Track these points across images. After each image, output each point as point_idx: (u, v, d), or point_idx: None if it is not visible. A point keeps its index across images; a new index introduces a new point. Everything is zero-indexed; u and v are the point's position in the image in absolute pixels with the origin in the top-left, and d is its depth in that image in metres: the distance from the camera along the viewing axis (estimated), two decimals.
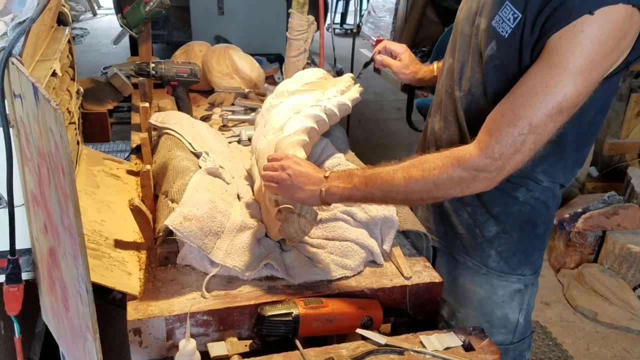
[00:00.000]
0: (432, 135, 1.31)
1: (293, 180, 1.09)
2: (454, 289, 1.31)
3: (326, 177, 1.10)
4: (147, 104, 1.68)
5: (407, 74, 1.52)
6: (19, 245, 1.06)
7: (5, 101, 0.96)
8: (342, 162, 1.43)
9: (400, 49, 1.53)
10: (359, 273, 1.18)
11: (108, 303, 2.23)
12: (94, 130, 2.02)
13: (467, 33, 1.17)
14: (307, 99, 1.39)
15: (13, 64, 0.94)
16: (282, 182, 1.10)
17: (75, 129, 1.49)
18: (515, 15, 1.03)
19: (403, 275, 1.19)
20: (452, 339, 1.03)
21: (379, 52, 1.56)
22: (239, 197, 1.32)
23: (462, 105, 1.19)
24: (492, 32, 1.08)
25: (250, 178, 1.44)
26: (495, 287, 1.27)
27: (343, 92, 1.49)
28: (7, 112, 0.97)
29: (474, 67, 1.14)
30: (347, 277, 1.16)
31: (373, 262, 1.23)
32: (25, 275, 1.11)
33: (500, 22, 1.06)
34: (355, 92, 1.51)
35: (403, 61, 1.52)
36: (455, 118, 1.22)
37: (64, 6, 1.55)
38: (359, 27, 7.89)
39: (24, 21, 0.98)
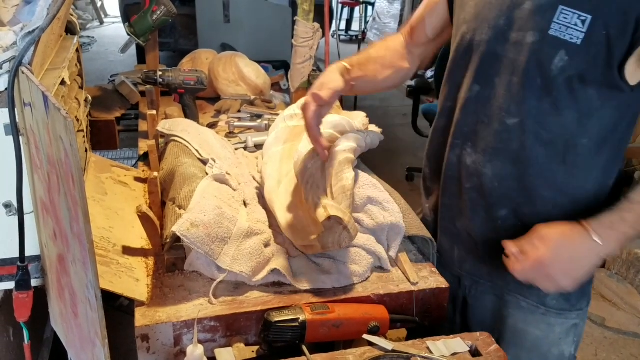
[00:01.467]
0: (466, 171, 1.17)
1: (562, 272, 1.01)
2: (500, 329, 1.23)
3: (599, 242, 0.99)
4: (154, 112, 1.69)
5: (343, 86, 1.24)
6: (28, 252, 1.07)
7: (16, 110, 0.97)
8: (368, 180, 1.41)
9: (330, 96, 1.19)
10: (366, 279, 1.19)
11: (115, 309, 2.24)
12: (102, 137, 2.04)
13: (503, 53, 1.06)
14: (343, 121, 1.41)
15: (23, 73, 0.95)
16: (552, 279, 1.01)
17: (84, 136, 1.50)
18: (583, 18, 0.96)
19: (410, 281, 1.19)
20: (459, 345, 1.02)
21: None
22: (245, 204, 1.33)
23: (520, 133, 1.07)
24: (554, 42, 0.99)
25: (255, 183, 1.45)
26: (553, 326, 1.19)
27: (365, 126, 1.50)
28: (18, 120, 0.98)
29: (528, 87, 1.04)
30: (354, 283, 1.17)
31: (380, 268, 1.23)
32: (34, 282, 1.12)
33: (563, 29, 0.97)
34: (377, 130, 1.51)
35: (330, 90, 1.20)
36: (505, 149, 1.10)
37: (72, 15, 1.57)
38: (364, 33, 7.92)
39: (33, 31, 0.99)
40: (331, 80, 1.23)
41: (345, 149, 1.28)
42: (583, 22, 0.96)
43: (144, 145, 1.74)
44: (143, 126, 1.94)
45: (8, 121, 0.97)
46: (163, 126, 1.60)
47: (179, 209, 1.21)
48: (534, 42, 1.01)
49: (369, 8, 8.24)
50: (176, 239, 1.13)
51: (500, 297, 1.22)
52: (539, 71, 1.02)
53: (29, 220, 1.08)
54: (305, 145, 1.30)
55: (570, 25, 0.97)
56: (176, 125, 1.61)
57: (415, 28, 1.35)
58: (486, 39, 1.08)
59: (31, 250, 1.10)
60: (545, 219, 1.07)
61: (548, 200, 1.10)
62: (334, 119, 1.39)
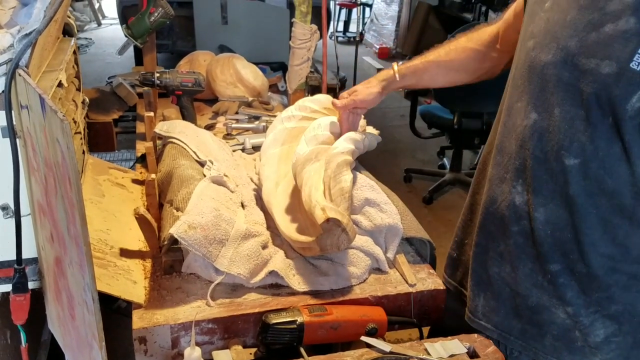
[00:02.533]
0: (514, 212, 1.02)
1: None
2: None
3: None
4: (152, 113, 1.69)
5: (376, 97, 1.35)
6: (25, 255, 1.07)
7: (13, 112, 0.97)
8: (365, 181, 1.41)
9: (350, 102, 1.36)
10: (364, 281, 1.19)
11: (113, 312, 2.23)
12: (99, 139, 2.03)
13: (569, 81, 0.91)
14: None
15: (20, 75, 0.95)
16: None
17: (81, 138, 1.50)
18: None
19: (407, 283, 1.19)
20: (456, 347, 1.02)
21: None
22: (242, 205, 1.33)
23: (581, 176, 0.92)
24: (634, 77, 0.83)
25: (252, 184, 1.45)
26: None
27: (362, 128, 1.51)
28: (14, 123, 0.98)
29: (597, 125, 0.89)
30: (351, 285, 1.17)
31: (377, 270, 1.23)
32: (31, 285, 1.12)
33: None
34: (374, 132, 1.52)
35: (362, 95, 1.36)
36: (561, 192, 0.95)
37: (70, 17, 1.57)
38: (361, 35, 7.92)
39: (30, 33, 0.99)
40: (362, 92, 1.36)
41: (344, 151, 1.28)
42: None
43: (141, 147, 1.74)
44: (140, 128, 1.94)
45: (5, 123, 0.97)
46: (160, 128, 1.60)
47: (177, 211, 1.21)
48: (610, 75, 0.85)
49: (367, 9, 8.25)
50: (174, 241, 1.13)
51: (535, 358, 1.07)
52: (610, 109, 0.87)
53: (26, 223, 1.08)
54: (303, 147, 1.31)
55: None
56: (174, 127, 1.61)
57: (506, 25, 1.20)
58: (552, 61, 0.93)
59: (28, 252, 1.10)
60: (603, 282, 0.96)
61: (606, 259, 0.95)
62: (332, 121, 1.39)
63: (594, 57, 0.87)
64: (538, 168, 0.97)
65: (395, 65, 1.34)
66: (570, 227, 0.95)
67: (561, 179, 0.94)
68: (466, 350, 1.02)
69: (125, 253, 1.21)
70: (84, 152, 1.53)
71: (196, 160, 1.44)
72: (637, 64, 0.83)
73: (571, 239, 0.96)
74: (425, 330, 1.21)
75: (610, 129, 0.88)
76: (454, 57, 1.28)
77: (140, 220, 1.14)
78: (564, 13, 0.93)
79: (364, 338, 1.04)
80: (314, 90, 2.00)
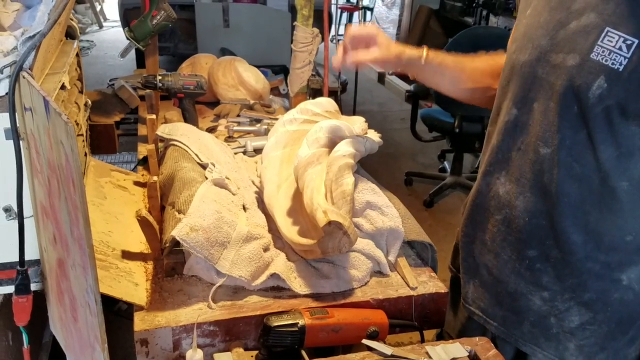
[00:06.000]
0: (497, 201, 1.08)
1: None
2: None
3: None
4: (153, 116, 1.69)
5: (391, 58, 1.21)
6: (27, 256, 1.07)
7: (16, 114, 0.98)
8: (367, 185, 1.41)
9: (373, 30, 1.21)
10: (365, 283, 1.19)
11: (114, 314, 2.23)
12: (101, 141, 2.03)
13: (542, 76, 0.97)
14: (343, 126, 1.42)
15: (24, 77, 0.96)
16: None
17: (83, 140, 1.51)
18: (629, 42, 0.86)
19: (409, 286, 1.19)
20: (458, 350, 1.02)
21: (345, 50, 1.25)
22: (244, 208, 1.33)
23: (552, 164, 0.97)
24: (594, 67, 0.89)
25: (253, 187, 1.45)
26: None
27: (364, 131, 1.51)
28: (18, 125, 0.99)
29: (564, 115, 0.94)
30: (353, 288, 1.17)
31: (379, 273, 1.23)
32: (33, 286, 1.12)
33: (606, 53, 0.88)
34: (376, 136, 1.52)
35: (382, 44, 1.20)
36: (536, 181, 1.01)
37: (72, 20, 1.58)
38: None
39: (34, 36, 1.00)
40: (383, 38, 1.21)
41: (345, 154, 1.28)
42: (629, 46, 0.86)
43: (143, 150, 1.74)
44: (142, 130, 1.94)
45: (8, 125, 0.98)
46: (162, 130, 1.61)
47: (179, 213, 1.21)
48: (574, 66, 0.92)
49: (368, 13, 8.27)
50: (175, 243, 1.13)
51: (515, 347, 1.11)
52: (575, 98, 0.92)
53: (29, 225, 1.08)
54: (305, 150, 1.31)
55: (614, 49, 0.87)
56: (175, 129, 1.61)
57: None
58: (529, 60, 1.00)
59: (31, 254, 1.10)
60: (577, 269, 1.00)
61: (579, 246, 0.99)
62: (333, 124, 1.39)
63: (561, 51, 0.94)
64: (520, 159, 1.03)
65: (425, 50, 1.21)
66: (545, 214, 1.01)
67: (537, 169, 1.00)
68: (467, 354, 1.02)
69: (127, 255, 1.21)
70: (86, 155, 1.54)
71: (198, 163, 1.45)
72: (596, 54, 0.89)
73: (546, 225, 1.01)
74: (427, 333, 1.21)
75: (575, 117, 0.93)
76: (480, 65, 1.23)
77: (142, 222, 1.15)
78: (538, 16, 1.00)
79: (365, 341, 1.04)
80: (315, 93, 2.00)
